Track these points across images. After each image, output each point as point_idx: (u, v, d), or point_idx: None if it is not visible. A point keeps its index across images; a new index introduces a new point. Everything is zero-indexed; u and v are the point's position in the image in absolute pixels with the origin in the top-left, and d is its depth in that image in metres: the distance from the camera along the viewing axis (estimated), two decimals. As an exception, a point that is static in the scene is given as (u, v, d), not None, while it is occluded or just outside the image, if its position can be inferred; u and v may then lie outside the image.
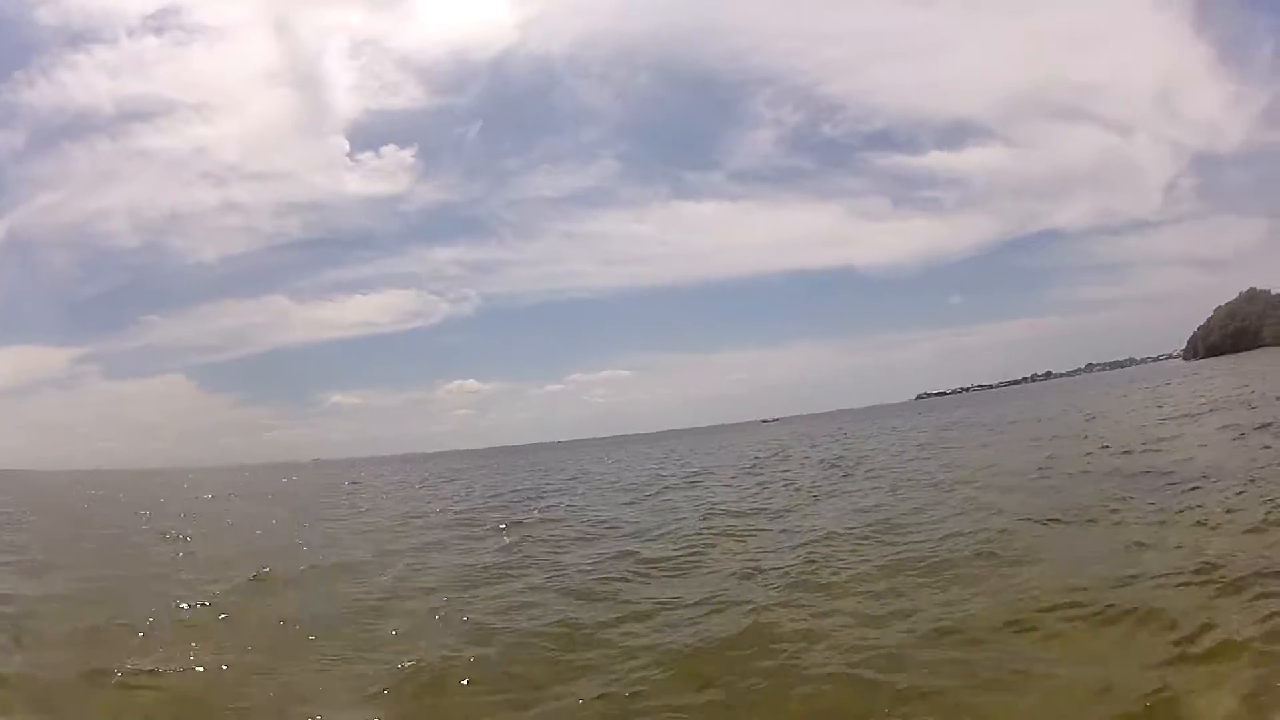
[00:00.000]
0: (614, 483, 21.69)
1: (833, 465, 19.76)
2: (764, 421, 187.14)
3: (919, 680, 4.61)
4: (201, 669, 5.65)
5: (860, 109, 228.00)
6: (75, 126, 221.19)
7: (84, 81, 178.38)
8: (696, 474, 22.19)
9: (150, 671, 5.51)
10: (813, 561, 7.91)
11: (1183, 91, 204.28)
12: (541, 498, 18.33)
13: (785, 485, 16.18)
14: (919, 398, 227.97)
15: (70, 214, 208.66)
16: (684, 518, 12.37)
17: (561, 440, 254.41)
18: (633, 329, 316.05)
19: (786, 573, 7.56)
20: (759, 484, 16.90)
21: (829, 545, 8.64)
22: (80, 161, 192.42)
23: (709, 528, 10.92)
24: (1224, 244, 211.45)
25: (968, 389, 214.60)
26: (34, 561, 10.88)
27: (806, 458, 24.08)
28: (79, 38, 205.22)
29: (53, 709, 4.97)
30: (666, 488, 18.19)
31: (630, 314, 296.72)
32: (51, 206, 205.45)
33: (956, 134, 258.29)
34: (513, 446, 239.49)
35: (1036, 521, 8.62)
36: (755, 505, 13.16)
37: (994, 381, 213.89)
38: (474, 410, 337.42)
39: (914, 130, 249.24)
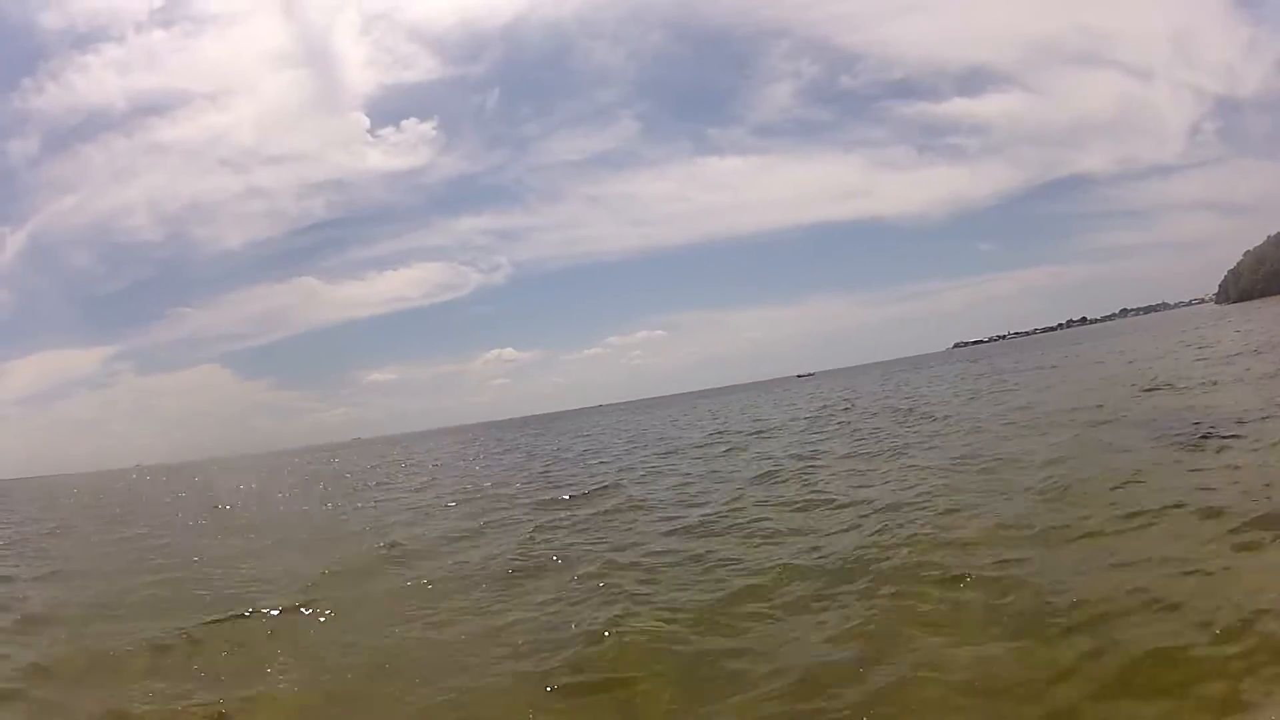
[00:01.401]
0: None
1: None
2: (799, 376, 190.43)
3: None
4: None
5: (878, 59, 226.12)
6: (88, 127, 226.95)
7: (94, 81, 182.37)
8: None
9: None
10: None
11: (1200, 36, 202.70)
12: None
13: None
14: (956, 346, 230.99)
15: (90, 213, 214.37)
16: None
17: (603, 404, 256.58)
18: (662, 289, 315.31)
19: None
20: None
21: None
22: (96, 161, 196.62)
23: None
24: (1248, 188, 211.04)
25: (1004, 336, 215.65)
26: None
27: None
28: (86, 39, 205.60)
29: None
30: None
31: (659, 273, 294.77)
32: (71, 208, 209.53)
33: (976, 80, 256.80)
34: (564, 411, 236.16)
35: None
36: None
37: (1029, 328, 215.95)
38: (511, 379, 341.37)
39: (934, 78, 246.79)
